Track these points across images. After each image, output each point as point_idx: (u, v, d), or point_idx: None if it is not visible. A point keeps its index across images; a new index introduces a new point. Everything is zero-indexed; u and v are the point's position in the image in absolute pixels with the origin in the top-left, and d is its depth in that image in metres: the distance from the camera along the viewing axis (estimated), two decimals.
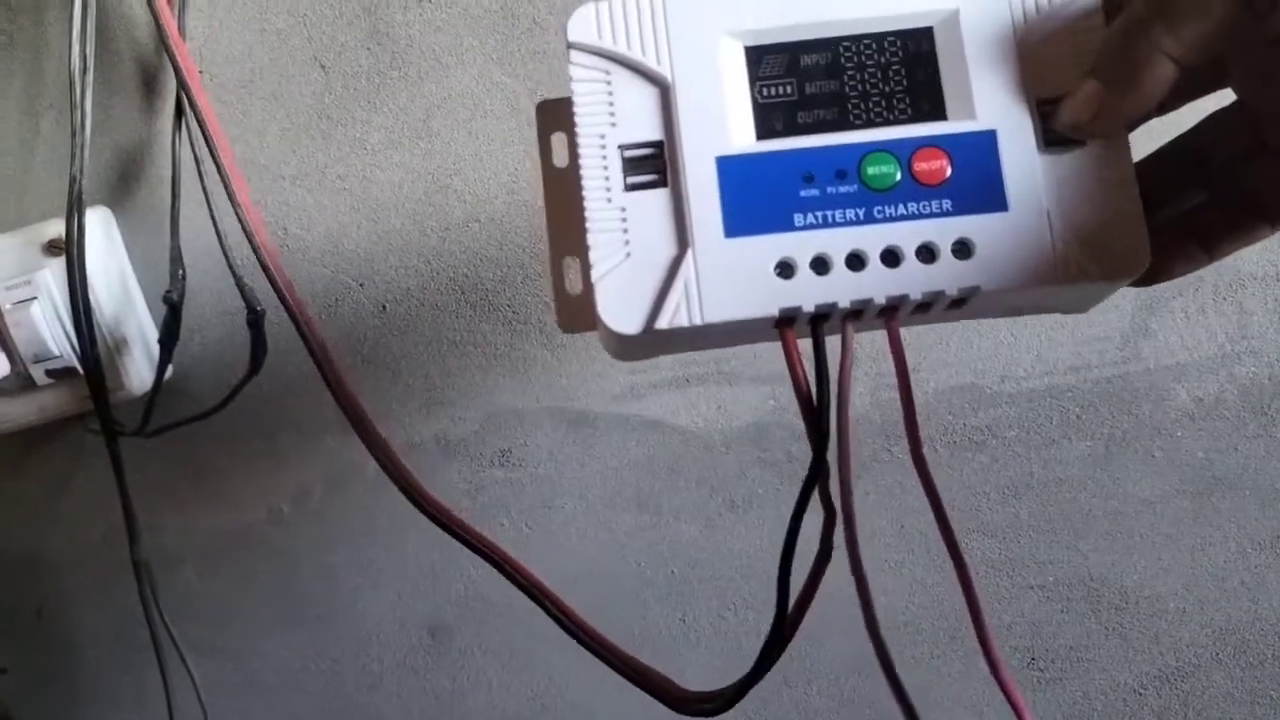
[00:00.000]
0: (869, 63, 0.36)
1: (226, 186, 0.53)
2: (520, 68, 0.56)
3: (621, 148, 0.36)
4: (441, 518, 0.47)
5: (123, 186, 0.60)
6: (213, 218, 0.57)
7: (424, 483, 0.49)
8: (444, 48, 0.56)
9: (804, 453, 0.61)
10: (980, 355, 0.58)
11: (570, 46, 0.36)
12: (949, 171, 0.35)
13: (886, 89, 0.36)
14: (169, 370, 0.60)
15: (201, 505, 0.65)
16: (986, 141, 0.35)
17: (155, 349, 0.59)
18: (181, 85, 0.55)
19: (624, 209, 0.35)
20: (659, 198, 0.35)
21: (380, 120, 0.57)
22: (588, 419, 0.61)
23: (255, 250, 0.53)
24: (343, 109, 0.57)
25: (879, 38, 0.36)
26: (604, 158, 0.36)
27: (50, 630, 0.69)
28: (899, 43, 0.36)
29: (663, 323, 0.35)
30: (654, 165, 0.36)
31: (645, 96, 0.36)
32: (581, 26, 0.36)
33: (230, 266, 0.57)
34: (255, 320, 0.58)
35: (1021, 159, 0.35)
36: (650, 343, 0.36)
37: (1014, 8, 0.35)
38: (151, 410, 0.59)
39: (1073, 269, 0.35)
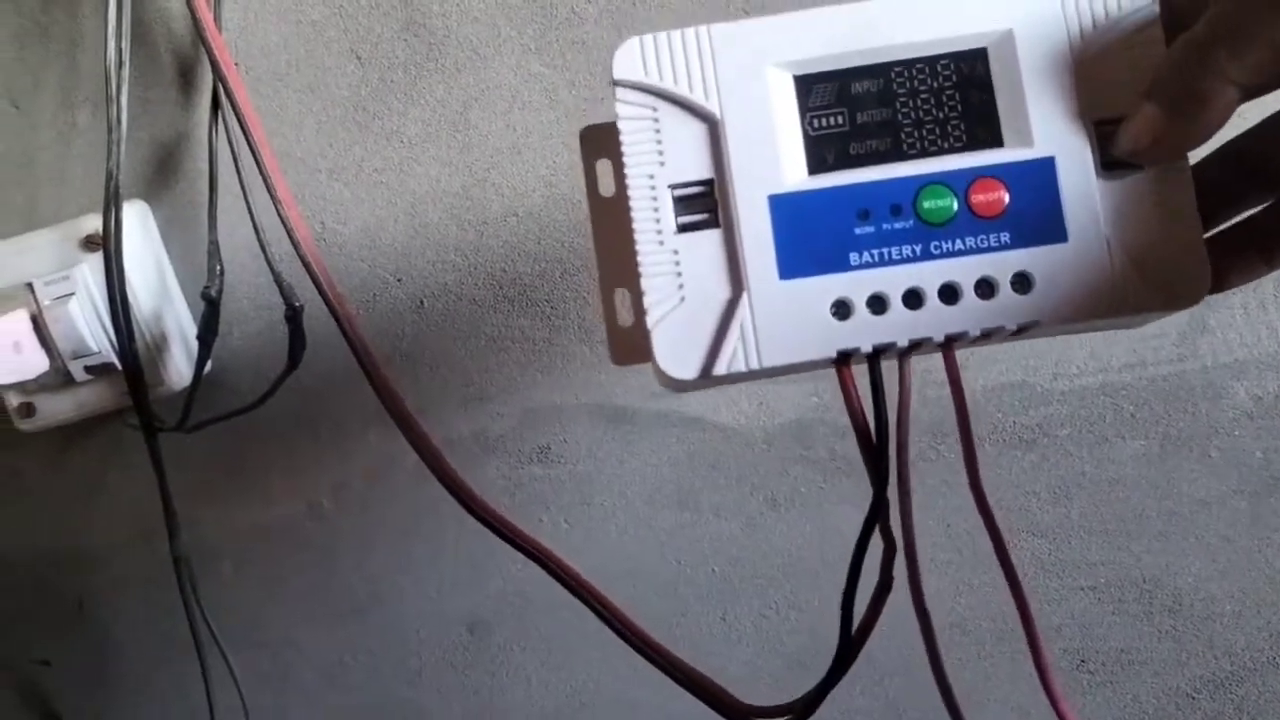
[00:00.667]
0: (921, 88, 0.34)
1: (266, 181, 0.53)
2: (558, 58, 0.54)
3: (671, 187, 0.35)
4: (491, 520, 0.47)
5: (160, 180, 0.60)
6: (250, 212, 0.56)
7: (465, 476, 0.49)
8: (481, 39, 0.55)
9: (848, 450, 0.60)
10: (1032, 352, 0.56)
11: (615, 84, 0.35)
12: (1007, 202, 0.34)
13: (940, 115, 0.34)
14: (208, 365, 0.60)
15: (240, 500, 0.65)
16: (1045, 169, 0.34)
17: (194, 344, 0.59)
18: (219, 79, 0.54)
19: (676, 251, 0.35)
20: (711, 239, 0.35)
21: (417, 113, 0.56)
22: (627, 415, 0.60)
23: (296, 246, 0.52)
24: (379, 101, 0.57)
25: (931, 61, 0.34)
26: (654, 198, 0.35)
27: (91, 623, 0.69)
28: (952, 66, 0.34)
29: (720, 368, 0.34)
30: (705, 204, 0.35)
31: (694, 133, 0.35)
32: (627, 63, 0.35)
33: (268, 262, 0.56)
34: (294, 316, 0.57)
35: (1080, 186, 0.34)
36: (706, 383, 0.36)
37: (1070, 24, 0.34)
38: (191, 406, 0.59)
39: (1133, 300, 0.34)
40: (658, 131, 0.35)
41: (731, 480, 0.61)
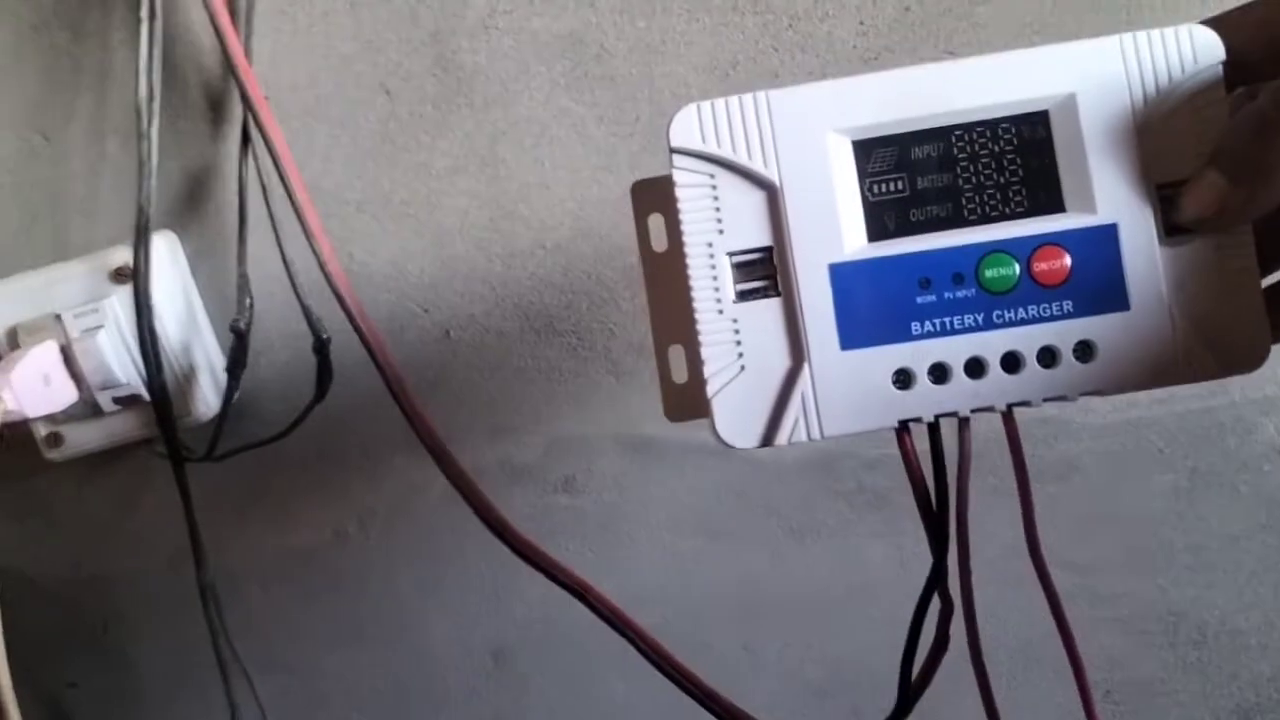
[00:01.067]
0: (982, 152, 0.34)
1: (298, 213, 0.53)
2: (588, 94, 0.55)
3: (730, 255, 0.35)
4: (527, 551, 0.48)
5: (189, 211, 0.60)
6: (279, 244, 0.56)
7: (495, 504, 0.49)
8: (510, 74, 0.55)
9: (875, 482, 0.60)
10: None
11: (673, 151, 0.35)
12: (1069, 270, 0.34)
13: (1001, 180, 0.34)
14: (236, 393, 0.60)
15: (267, 526, 0.65)
16: (1108, 237, 0.34)
17: (222, 375, 0.59)
18: (249, 111, 0.54)
19: (736, 320, 0.35)
20: (771, 307, 0.35)
21: (445, 146, 0.57)
22: (653, 445, 0.60)
23: (328, 278, 0.52)
24: (408, 135, 0.57)
25: (992, 125, 0.34)
26: (713, 266, 0.35)
27: (117, 647, 0.70)
28: (1013, 129, 0.34)
29: (781, 439, 0.35)
30: (764, 271, 0.35)
31: (752, 201, 0.35)
32: (684, 131, 0.35)
33: (297, 294, 0.56)
34: (321, 347, 0.58)
35: (1142, 252, 0.34)
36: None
37: (1133, 87, 0.34)
38: (219, 437, 0.59)
39: (1195, 368, 0.34)
40: (716, 199, 0.35)
41: (757, 510, 0.61)
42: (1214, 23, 0.35)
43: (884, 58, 0.52)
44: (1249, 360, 0.34)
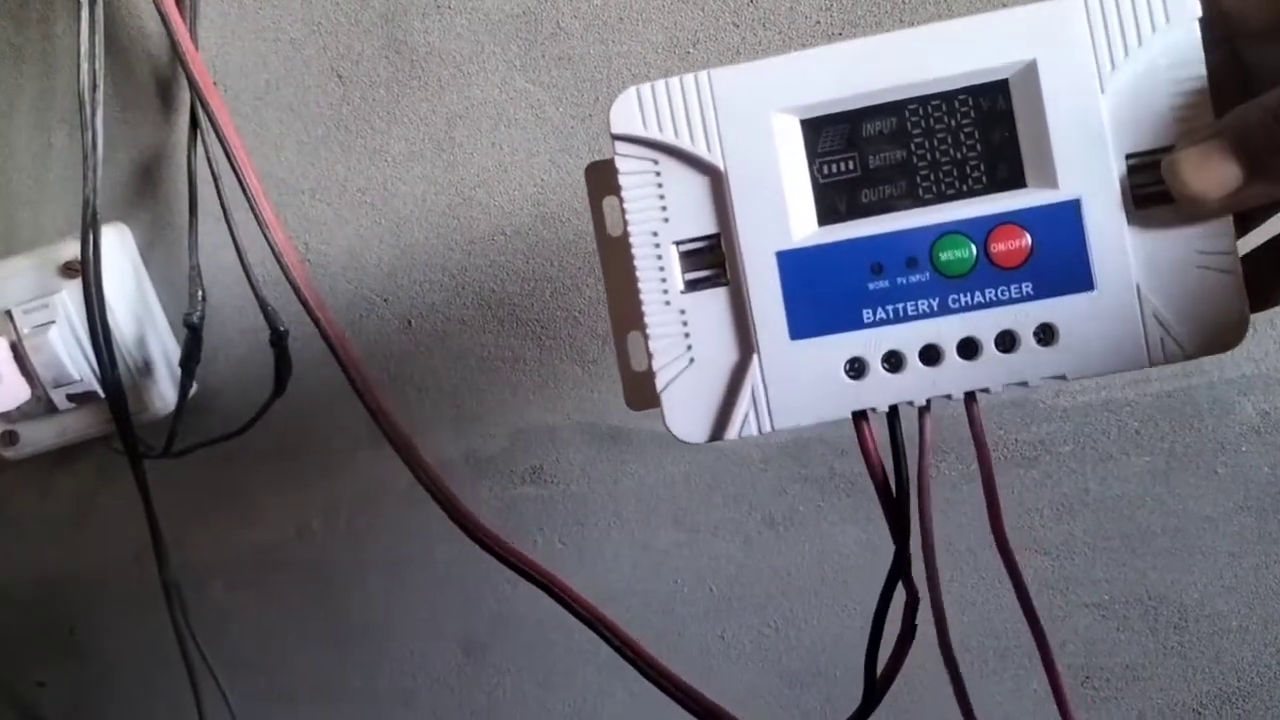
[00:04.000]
0: (938, 126, 0.32)
1: (251, 204, 0.51)
2: (544, 75, 0.53)
3: (677, 244, 0.33)
4: (493, 545, 0.46)
5: (140, 201, 0.58)
6: (232, 235, 0.55)
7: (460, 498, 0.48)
8: (465, 55, 0.53)
9: (846, 468, 0.59)
10: None
11: (614, 138, 0.33)
12: (1029, 250, 0.32)
13: (958, 155, 0.32)
14: (193, 388, 0.58)
15: (230, 523, 0.64)
16: (1070, 213, 0.32)
17: (178, 368, 0.58)
18: (198, 98, 0.53)
19: (684, 311, 0.34)
20: (719, 297, 0.33)
21: (401, 131, 0.55)
22: (621, 435, 0.59)
23: (284, 270, 0.51)
24: (362, 120, 0.55)
25: (948, 97, 0.32)
26: (659, 256, 0.33)
27: (84, 646, 0.69)
28: (970, 101, 0.32)
29: (731, 433, 0.34)
30: (712, 259, 0.33)
31: (697, 187, 0.33)
32: (624, 116, 0.33)
33: (252, 286, 0.55)
34: (279, 340, 0.56)
35: (1108, 229, 0.32)
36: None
37: (1099, 50, 0.32)
38: (175, 432, 0.58)
39: (1165, 350, 0.32)
40: (660, 186, 0.33)
41: (729, 499, 0.60)
42: None
43: (849, 33, 0.50)
44: (1225, 342, 0.32)
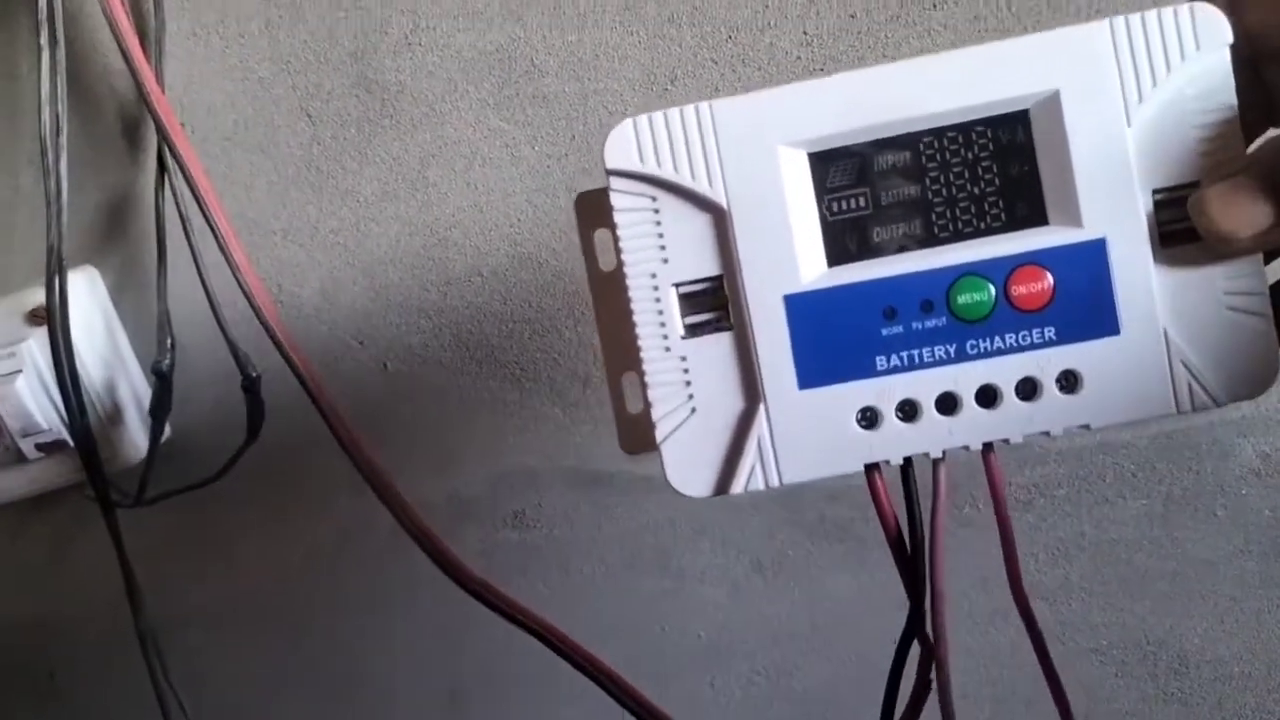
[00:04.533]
0: (954, 160, 0.30)
1: (222, 247, 0.50)
2: (519, 113, 0.51)
3: (676, 286, 0.31)
4: (488, 595, 0.46)
5: (108, 243, 0.57)
6: (202, 278, 0.54)
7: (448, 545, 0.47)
8: (437, 94, 0.52)
9: (838, 514, 0.57)
10: None
11: (609, 173, 0.31)
12: (1051, 293, 0.30)
13: (976, 191, 0.30)
14: (165, 434, 0.57)
15: (207, 568, 0.63)
16: (1095, 253, 0.30)
17: (149, 415, 0.56)
18: (164, 139, 0.51)
19: (685, 357, 0.31)
20: (722, 342, 0.31)
21: (373, 171, 0.53)
22: (604, 479, 0.58)
23: (256, 312, 0.50)
24: (333, 160, 0.54)
25: (965, 128, 0.30)
26: (657, 300, 0.31)
27: (64, 692, 0.67)
28: (989, 132, 0.30)
29: (737, 487, 0.31)
30: (714, 301, 0.31)
31: (698, 225, 0.31)
32: (620, 149, 0.31)
33: (223, 329, 0.54)
34: (251, 385, 0.55)
35: (1135, 270, 0.30)
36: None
37: (1125, 79, 0.30)
38: (147, 480, 0.57)
39: (1194, 397, 0.30)
40: (658, 224, 0.31)
41: (716, 544, 0.58)
42: None
43: (829, 69, 0.48)
44: (1255, 388, 0.30)
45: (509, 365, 0.56)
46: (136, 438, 0.57)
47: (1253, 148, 0.29)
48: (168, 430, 0.57)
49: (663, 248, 0.31)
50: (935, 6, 0.47)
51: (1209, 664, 0.56)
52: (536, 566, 0.60)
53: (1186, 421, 0.52)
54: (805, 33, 0.48)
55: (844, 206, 0.31)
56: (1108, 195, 0.30)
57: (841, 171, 0.31)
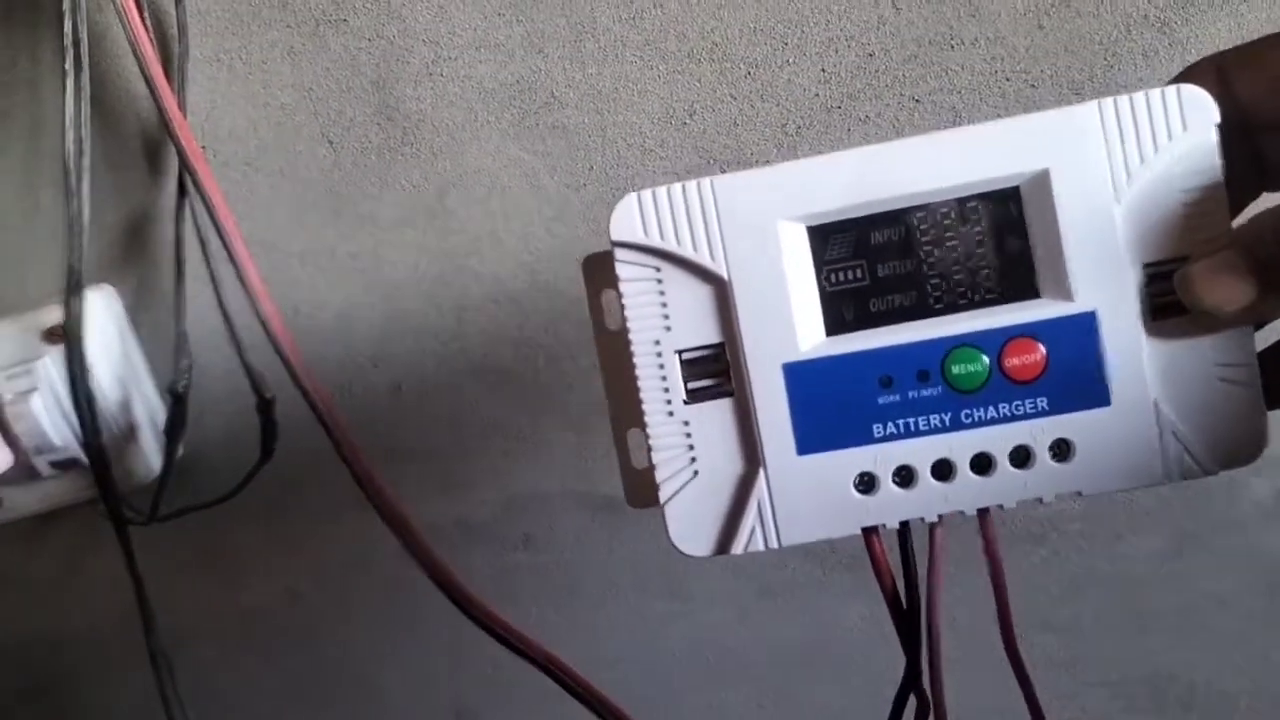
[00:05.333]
0: (948, 235, 0.31)
1: (238, 270, 0.50)
2: (538, 144, 0.52)
3: (679, 353, 0.32)
4: (494, 625, 0.47)
5: (128, 263, 0.57)
6: (219, 300, 0.54)
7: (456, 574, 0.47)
8: (457, 123, 0.52)
9: (847, 544, 0.57)
10: None
11: (614, 245, 0.32)
12: (1044, 365, 0.31)
13: (970, 264, 0.31)
14: (179, 452, 0.57)
15: (218, 586, 0.63)
16: (1086, 326, 0.31)
17: (164, 435, 0.57)
18: (184, 164, 0.52)
19: (687, 422, 0.33)
20: (723, 408, 0.32)
21: (392, 197, 0.54)
22: (614, 503, 0.58)
23: (271, 339, 0.50)
24: (352, 186, 0.54)
25: (958, 204, 0.31)
26: (661, 366, 0.32)
27: (70, 709, 0.67)
28: (981, 208, 0.31)
29: (737, 548, 0.33)
30: (715, 369, 0.32)
31: (700, 295, 0.32)
32: (625, 223, 0.32)
33: (239, 352, 0.54)
34: (265, 407, 0.55)
35: (1125, 342, 0.31)
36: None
37: (1113, 158, 0.30)
38: (160, 499, 0.57)
39: (1183, 467, 0.31)
40: (662, 294, 0.32)
41: (725, 570, 0.58)
42: (1219, 63, 0.32)
43: (846, 106, 0.49)
44: (1243, 458, 0.31)
45: (522, 390, 0.56)
46: (150, 457, 0.57)
47: (1238, 221, 0.30)
48: (181, 449, 0.57)
49: (666, 316, 0.32)
50: (952, 48, 0.47)
51: (1217, 698, 0.56)
52: (546, 590, 0.60)
53: None
54: (823, 70, 0.49)
55: (842, 278, 0.32)
56: (1098, 269, 0.31)
57: (839, 245, 0.32)
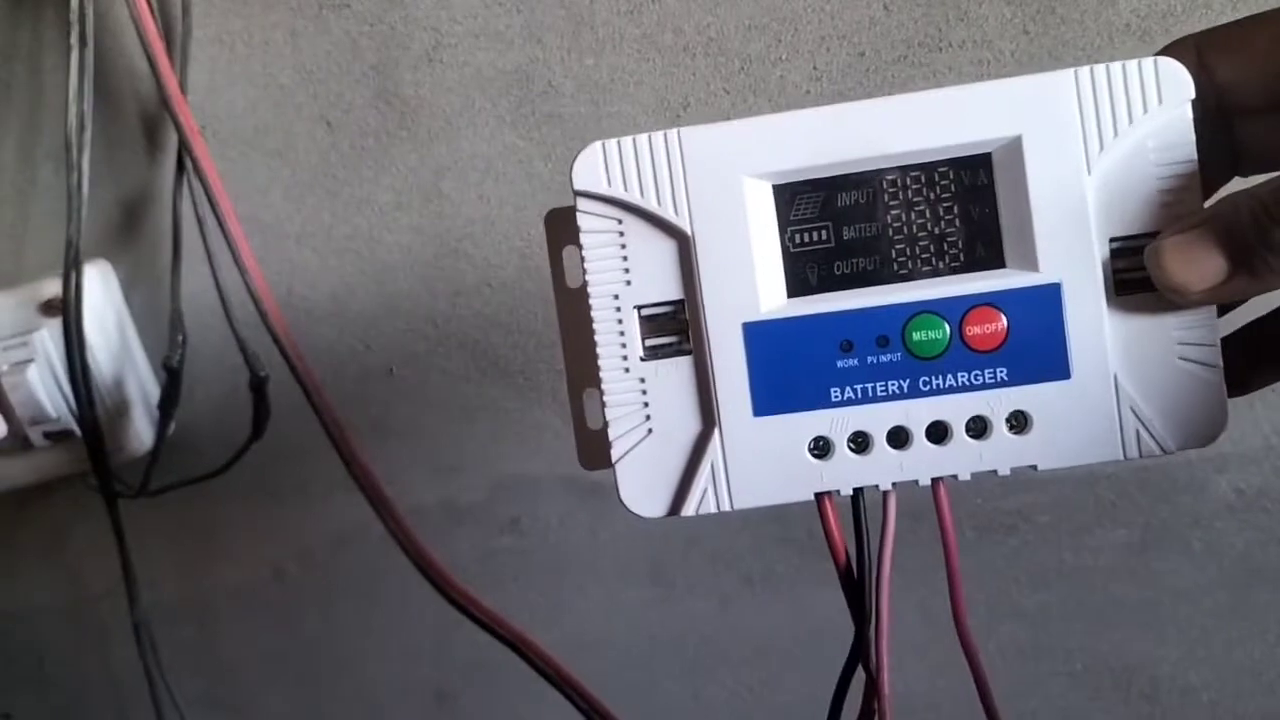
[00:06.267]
0: (916, 199, 0.31)
1: (232, 250, 0.51)
2: (534, 131, 0.53)
3: (638, 308, 0.32)
4: (467, 606, 0.48)
5: (124, 239, 0.58)
6: (215, 278, 0.55)
7: (435, 553, 0.49)
8: (455, 109, 0.53)
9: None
10: None
11: (577, 194, 0.32)
12: (1005, 334, 0.31)
13: (936, 231, 0.31)
14: (171, 428, 0.58)
15: (204, 562, 0.64)
16: (1049, 298, 0.31)
17: (156, 410, 0.57)
18: (183, 143, 0.53)
19: (644, 379, 0.32)
20: (681, 366, 0.32)
21: (389, 180, 0.55)
22: (600, 489, 0.59)
23: (263, 317, 0.51)
24: (349, 168, 0.55)
25: (929, 168, 0.31)
26: (619, 321, 0.32)
27: (53, 678, 0.68)
28: (951, 174, 0.31)
29: (689, 510, 0.32)
30: (675, 326, 0.32)
31: (662, 251, 0.32)
32: (588, 172, 0.31)
33: (233, 329, 0.55)
34: (259, 385, 0.56)
35: (1087, 316, 0.30)
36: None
37: (1087, 128, 0.30)
38: (151, 473, 0.58)
39: (1140, 444, 0.31)
40: (623, 247, 0.32)
41: (706, 557, 0.59)
42: (1199, 42, 0.31)
43: (836, 103, 0.50)
44: (1203, 438, 0.31)
45: (513, 375, 0.57)
46: (142, 431, 0.58)
47: (1210, 202, 0.30)
48: (173, 425, 0.58)
49: (626, 270, 0.32)
50: (941, 50, 0.49)
51: (1179, 691, 0.58)
52: (530, 573, 0.61)
53: (1165, 456, 0.54)
54: (815, 68, 0.50)
55: (806, 239, 0.32)
56: (1065, 241, 0.30)
57: (805, 205, 0.31)
